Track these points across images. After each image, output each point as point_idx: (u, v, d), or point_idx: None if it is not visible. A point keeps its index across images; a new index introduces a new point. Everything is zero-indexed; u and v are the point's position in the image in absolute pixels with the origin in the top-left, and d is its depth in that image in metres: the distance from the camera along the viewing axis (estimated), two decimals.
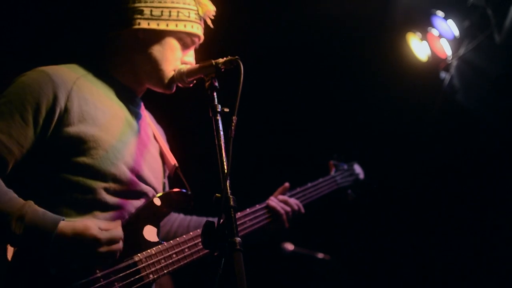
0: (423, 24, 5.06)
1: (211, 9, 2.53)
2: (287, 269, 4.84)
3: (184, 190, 2.55)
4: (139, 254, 2.30)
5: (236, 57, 2.19)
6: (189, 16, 2.46)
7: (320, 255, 4.49)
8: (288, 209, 2.91)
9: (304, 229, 4.97)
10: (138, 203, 2.40)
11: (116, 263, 2.22)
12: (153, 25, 2.41)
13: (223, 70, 2.22)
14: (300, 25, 4.82)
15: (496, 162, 4.90)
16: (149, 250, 2.34)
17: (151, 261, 2.32)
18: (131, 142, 2.39)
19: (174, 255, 2.40)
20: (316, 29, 4.82)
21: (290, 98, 4.93)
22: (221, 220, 1.88)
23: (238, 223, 2.51)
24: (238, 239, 1.84)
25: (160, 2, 2.42)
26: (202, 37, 2.56)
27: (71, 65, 2.40)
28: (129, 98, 2.47)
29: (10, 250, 2.07)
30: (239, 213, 2.73)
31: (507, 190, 4.87)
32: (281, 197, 2.94)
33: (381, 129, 5.09)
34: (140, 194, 2.40)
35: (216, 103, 2.14)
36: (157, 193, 2.49)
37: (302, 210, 2.98)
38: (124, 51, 2.46)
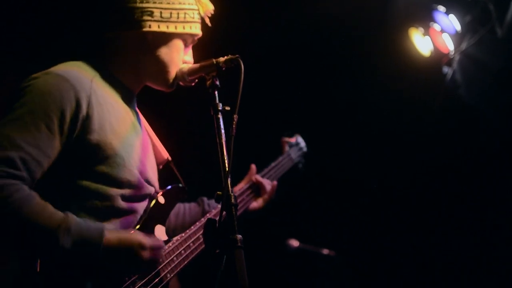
0: (424, 19, 5.06)
1: (210, 8, 2.52)
2: (292, 265, 4.85)
3: (180, 185, 2.59)
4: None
5: (237, 55, 2.19)
6: (193, 17, 2.44)
7: (325, 251, 4.50)
8: (271, 181, 3.12)
9: (309, 226, 5.01)
10: (145, 204, 2.41)
11: None
12: (163, 27, 2.37)
13: (224, 69, 2.22)
14: (301, 21, 4.80)
15: (498, 159, 4.89)
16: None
17: (166, 260, 2.35)
18: (137, 144, 2.39)
19: (183, 251, 2.43)
20: (318, 25, 4.81)
21: (291, 96, 4.93)
22: (222, 218, 1.89)
23: None
24: (239, 236, 1.85)
25: (168, 3, 2.38)
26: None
27: (77, 62, 2.32)
28: (129, 98, 2.45)
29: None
30: None
31: (508, 187, 4.86)
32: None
33: (384, 124, 5.09)
34: (146, 195, 2.41)
35: (217, 101, 2.14)
36: (156, 190, 2.49)
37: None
38: (129, 52, 2.40)
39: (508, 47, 4.75)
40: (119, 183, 2.25)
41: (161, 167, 2.66)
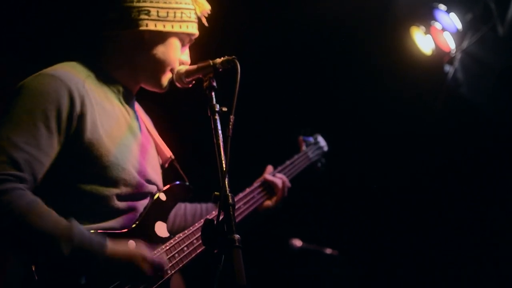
0: (426, 18, 5.05)
1: (207, 8, 2.54)
2: (295, 265, 4.86)
3: (184, 183, 2.59)
4: (155, 252, 2.32)
5: (233, 57, 2.20)
6: (190, 17, 2.47)
7: (328, 251, 4.50)
8: (285, 178, 3.04)
9: (312, 225, 5.02)
10: (146, 202, 2.42)
11: None
12: (160, 26, 2.40)
13: (221, 70, 2.23)
14: (302, 20, 4.81)
15: (499, 158, 4.88)
16: (163, 246, 2.36)
17: (167, 256, 2.35)
18: (134, 143, 2.40)
19: (185, 248, 2.43)
20: (319, 24, 4.81)
21: (291, 94, 4.93)
22: (220, 218, 1.90)
23: None
24: (237, 236, 1.86)
25: (165, 2, 2.41)
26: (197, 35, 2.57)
27: (71, 63, 2.34)
28: (126, 97, 2.47)
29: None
30: None
31: (509, 186, 4.86)
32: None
33: (385, 123, 5.09)
34: (147, 194, 2.43)
35: (214, 102, 2.15)
36: (159, 189, 2.51)
37: (289, 184, 3.09)
38: (126, 51, 2.42)
39: (510, 45, 4.74)
40: (114, 183, 2.26)
41: (166, 166, 2.68)
